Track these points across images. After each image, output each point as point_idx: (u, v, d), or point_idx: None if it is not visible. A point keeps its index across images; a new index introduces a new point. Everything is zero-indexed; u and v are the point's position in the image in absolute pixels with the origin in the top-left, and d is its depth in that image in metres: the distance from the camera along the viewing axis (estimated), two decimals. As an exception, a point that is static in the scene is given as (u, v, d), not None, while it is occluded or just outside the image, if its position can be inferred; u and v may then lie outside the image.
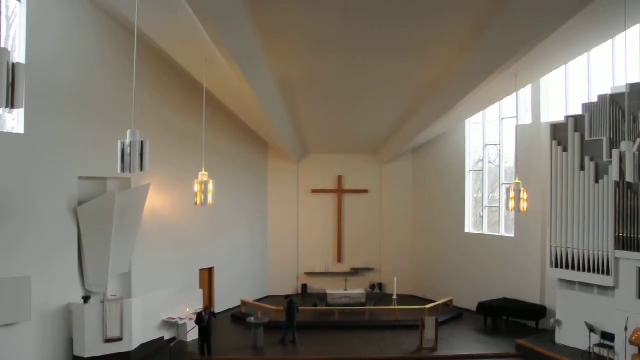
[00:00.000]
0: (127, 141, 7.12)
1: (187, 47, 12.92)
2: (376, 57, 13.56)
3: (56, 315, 13.43)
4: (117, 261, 14.49)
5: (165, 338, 15.85)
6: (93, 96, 14.19)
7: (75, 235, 13.89)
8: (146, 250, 15.71)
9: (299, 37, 12.62)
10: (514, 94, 17.07)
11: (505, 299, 18.58)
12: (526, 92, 18.37)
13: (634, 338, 13.01)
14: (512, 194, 14.74)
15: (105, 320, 13.77)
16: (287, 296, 17.82)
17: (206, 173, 13.28)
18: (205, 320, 14.84)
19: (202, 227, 18.45)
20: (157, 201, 16.21)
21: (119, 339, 13.97)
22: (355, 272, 22.74)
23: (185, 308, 16.45)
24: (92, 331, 13.60)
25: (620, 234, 13.85)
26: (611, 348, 13.86)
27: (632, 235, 13.60)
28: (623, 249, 13.80)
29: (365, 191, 23.21)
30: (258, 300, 20.49)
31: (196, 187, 13.11)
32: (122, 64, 14.35)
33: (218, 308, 19.27)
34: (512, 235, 18.99)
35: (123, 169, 7.15)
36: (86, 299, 13.94)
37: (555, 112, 17.71)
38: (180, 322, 15.98)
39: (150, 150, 7.31)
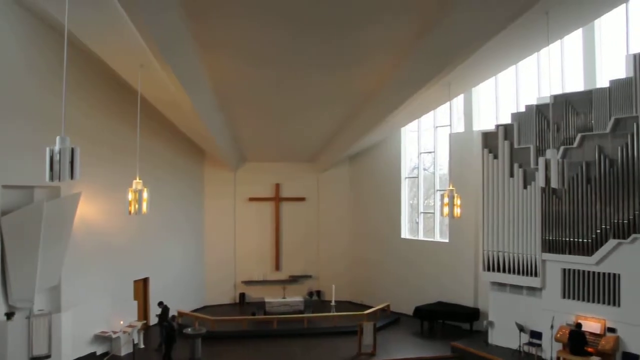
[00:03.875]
0: (57, 148, 6.79)
1: (122, 52, 12.49)
2: (314, 68, 13.68)
3: (-25, 335, 12.58)
4: (45, 274, 13.74)
5: (98, 353, 15.21)
6: (20, 100, 13.38)
7: (-2, 247, 13.09)
8: (77, 262, 14.97)
9: (236, 50, 12.56)
10: (448, 103, 17.57)
11: (440, 303, 19.04)
12: (459, 101, 19.03)
13: (559, 335, 13.70)
14: (446, 200, 15.06)
15: (31, 337, 13.06)
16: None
17: (140, 181, 12.84)
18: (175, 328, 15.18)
19: (137, 237, 17.83)
20: (88, 211, 15.54)
21: (47, 356, 13.29)
22: (294, 279, 22.69)
23: (119, 321, 15.84)
24: (16, 349, 12.84)
25: (547, 237, 14.54)
26: (539, 346, 14.48)
27: (557, 238, 14.32)
28: (549, 251, 14.48)
29: (303, 199, 23.23)
30: (195, 311, 20.08)
31: (130, 196, 12.65)
32: (51, 67, 13.61)
33: (154, 319, 18.69)
34: (447, 240, 19.46)
35: (52, 177, 6.81)
36: (9, 315, 13.09)
37: (486, 120, 18.38)
38: (114, 336, 15.37)
39: (81, 157, 7.01)
